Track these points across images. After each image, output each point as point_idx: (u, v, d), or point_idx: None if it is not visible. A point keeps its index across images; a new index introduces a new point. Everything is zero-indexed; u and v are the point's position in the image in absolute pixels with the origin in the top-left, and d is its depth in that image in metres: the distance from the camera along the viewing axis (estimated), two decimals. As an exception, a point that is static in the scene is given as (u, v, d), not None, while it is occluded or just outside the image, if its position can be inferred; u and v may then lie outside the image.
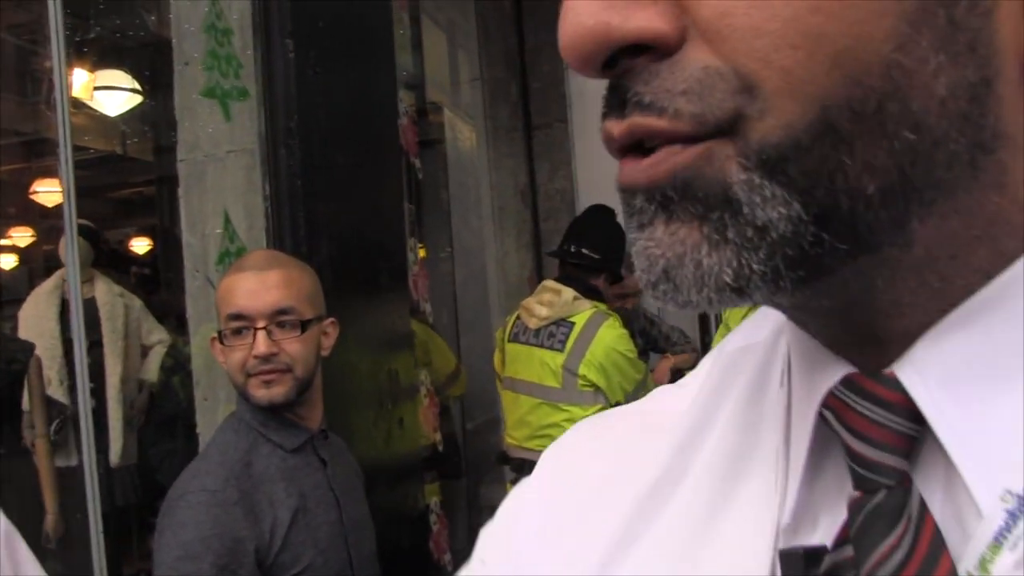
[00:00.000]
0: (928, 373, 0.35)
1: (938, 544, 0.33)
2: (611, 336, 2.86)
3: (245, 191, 2.10)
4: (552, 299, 2.95)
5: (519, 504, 0.52)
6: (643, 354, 3.50)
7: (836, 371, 0.37)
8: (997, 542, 0.32)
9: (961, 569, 0.33)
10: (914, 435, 0.35)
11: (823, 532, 0.37)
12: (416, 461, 2.67)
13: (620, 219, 3.34)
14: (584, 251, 3.01)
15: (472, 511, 4.74)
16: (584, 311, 2.90)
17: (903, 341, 0.35)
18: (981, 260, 0.35)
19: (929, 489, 0.35)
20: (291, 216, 2.11)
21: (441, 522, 3.14)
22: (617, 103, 0.35)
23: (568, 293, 2.93)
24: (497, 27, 4.81)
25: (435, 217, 4.53)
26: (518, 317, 3.06)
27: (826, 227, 0.33)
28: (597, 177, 4.90)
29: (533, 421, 2.94)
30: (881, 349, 0.36)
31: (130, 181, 7.45)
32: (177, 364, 3.78)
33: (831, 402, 0.37)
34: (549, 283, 3.04)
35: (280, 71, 2.09)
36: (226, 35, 2.00)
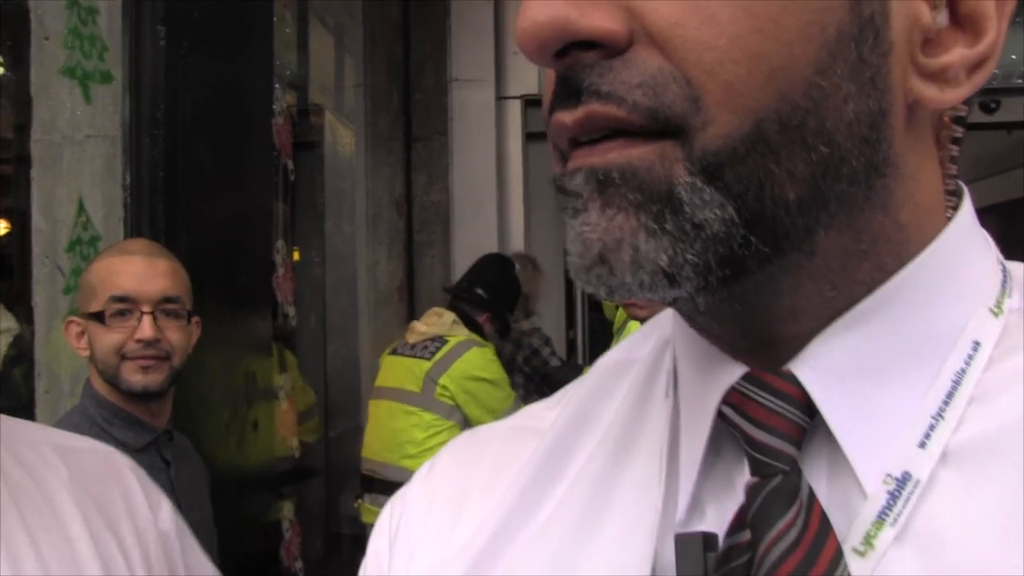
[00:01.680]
0: (820, 370, 0.40)
1: (825, 524, 0.37)
2: (480, 359, 2.98)
3: (104, 178, 2.02)
4: (434, 320, 3.10)
5: (401, 509, 0.54)
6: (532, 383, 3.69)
7: (735, 371, 0.41)
8: (880, 519, 0.37)
9: (846, 546, 0.37)
10: (805, 426, 0.39)
11: (711, 522, 0.41)
12: (271, 464, 2.61)
13: (517, 272, 3.52)
14: (476, 290, 3.20)
15: (330, 520, 4.66)
16: (460, 335, 3.03)
17: (795, 344, 0.40)
18: (864, 274, 0.40)
19: (814, 475, 0.39)
20: (151, 208, 2.05)
21: (294, 529, 3.09)
22: (569, 93, 0.38)
23: (449, 316, 3.09)
24: (384, 35, 4.80)
25: (309, 221, 4.47)
26: (404, 337, 3.20)
27: (754, 230, 0.37)
28: (473, 191, 4.93)
29: (389, 426, 3.00)
30: (774, 352, 0.41)
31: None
32: (20, 354, 3.60)
33: (732, 398, 0.41)
34: (436, 309, 3.21)
35: (148, 58, 2.02)
36: (91, 14, 1.93)
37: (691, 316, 0.43)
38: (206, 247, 2.19)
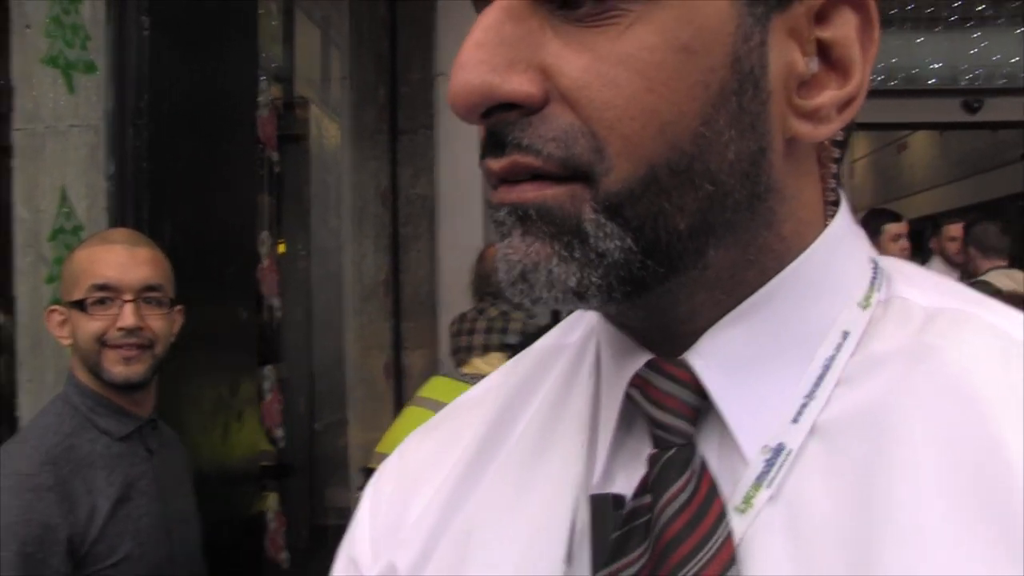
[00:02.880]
0: (709, 358, 0.47)
1: (713, 488, 0.45)
2: None
3: (87, 168, 2.02)
4: (494, 362, 3.25)
5: (378, 486, 0.62)
6: None
7: (641, 359, 0.48)
8: (758, 482, 0.45)
9: (730, 506, 0.45)
10: (698, 407, 0.47)
11: (621, 487, 0.49)
12: (255, 455, 2.62)
13: None
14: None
15: (316, 512, 4.67)
16: None
17: (692, 338, 0.47)
18: (752, 278, 0.47)
19: (707, 448, 0.47)
20: (135, 198, 2.04)
21: (279, 520, 3.09)
22: (495, 145, 0.45)
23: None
24: (370, 28, 4.79)
25: (295, 214, 4.46)
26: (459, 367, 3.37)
27: (650, 256, 0.44)
28: (458, 185, 4.92)
29: None
30: (677, 344, 0.48)
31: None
32: (-1, 345, 3.58)
33: (636, 381, 0.48)
34: (497, 355, 3.29)
35: (132, 48, 2.02)
36: (73, 3, 1.92)
37: (606, 315, 0.51)
38: (190, 238, 2.19)
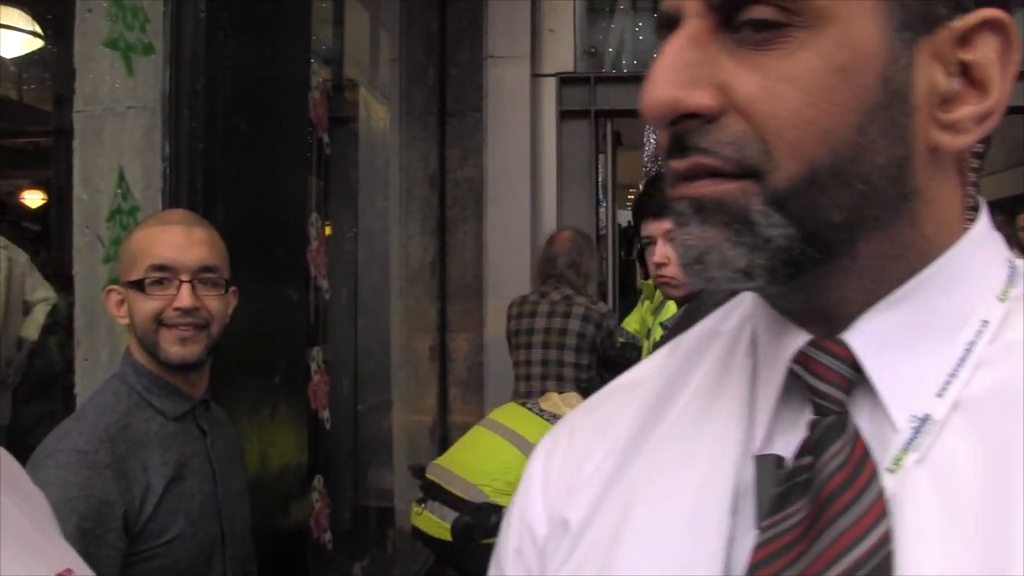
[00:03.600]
0: (865, 338, 0.54)
1: (866, 451, 0.52)
2: None
3: (143, 149, 2.03)
4: (572, 403, 3.25)
5: (550, 450, 0.70)
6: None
7: (800, 338, 0.56)
8: (906, 447, 0.51)
9: (881, 467, 0.51)
10: (853, 380, 0.54)
11: (779, 449, 0.55)
12: (302, 437, 2.64)
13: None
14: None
15: (359, 493, 4.71)
16: None
17: (844, 321, 0.55)
18: (898, 271, 0.54)
19: (859, 416, 0.53)
20: (189, 179, 2.06)
21: (323, 500, 3.12)
22: (678, 148, 0.53)
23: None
24: (420, 10, 4.78)
25: (342, 195, 4.48)
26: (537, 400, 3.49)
27: (809, 243, 0.52)
28: (506, 168, 4.91)
29: (495, 455, 3.13)
30: (831, 326, 0.55)
31: (25, 130, 7.13)
32: (56, 324, 3.65)
33: (799, 357, 0.55)
34: (576, 394, 3.47)
35: (189, 30, 2.03)
36: (133, -14, 1.94)
37: (768, 297, 0.59)
38: (242, 219, 2.20)
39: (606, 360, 3.83)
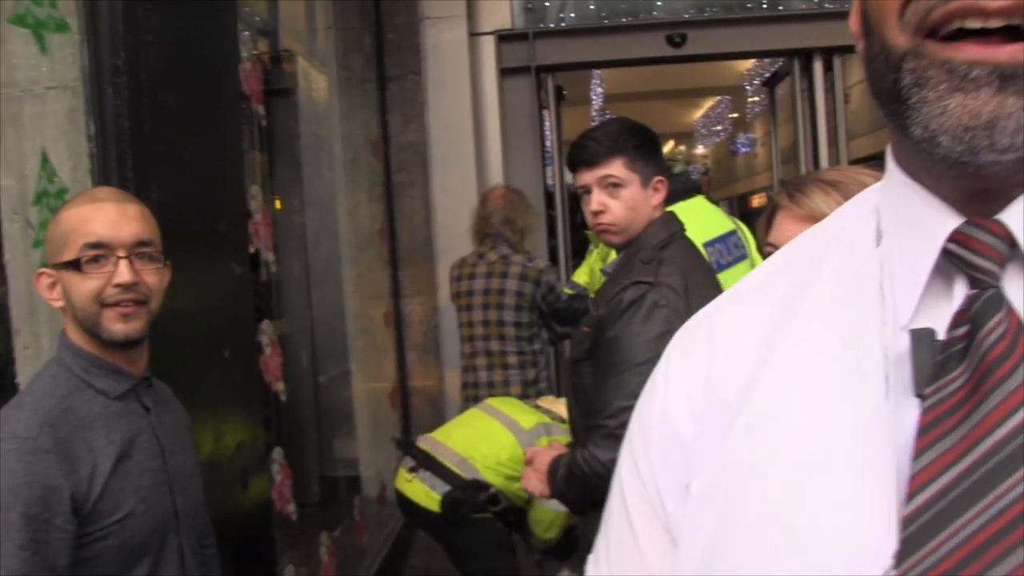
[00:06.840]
0: (1021, 218, 0.55)
1: (1020, 324, 0.54)
2: None
3: (67, 130, 2.00)
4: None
5: (687, 349, 0.74)
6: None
7: (955, 219, 0.58)
8: None
9: None
10: (1008, 256, 0.56)
11: (928, 323, 0.58)
12: (254, 409, 2.64)
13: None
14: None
15: (325, 464, 4.72)
16: None
17: (1003, 203, 0.56)
18: None
19: (1011, 291, 0.55)
20: (118, 157, 2.03)
21: (284, 472, 3.13)
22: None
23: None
24: (352, -25, 4.71)
25: (288, 168, 4.44)
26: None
27: None
28: (449, 129, 4.89)
29: (490, 436, 3.19)
30: (988, 208, 0.57)
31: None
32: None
33: (957, 236, 0.57)
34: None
35: (105, 4, 1.98)
36: (36, -41, 1.88)
37: (923, 180, 0.61)
38: (178, 195, 2.18)
39: (555, 312, 3.86)
